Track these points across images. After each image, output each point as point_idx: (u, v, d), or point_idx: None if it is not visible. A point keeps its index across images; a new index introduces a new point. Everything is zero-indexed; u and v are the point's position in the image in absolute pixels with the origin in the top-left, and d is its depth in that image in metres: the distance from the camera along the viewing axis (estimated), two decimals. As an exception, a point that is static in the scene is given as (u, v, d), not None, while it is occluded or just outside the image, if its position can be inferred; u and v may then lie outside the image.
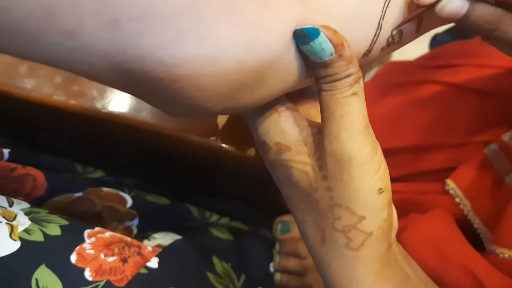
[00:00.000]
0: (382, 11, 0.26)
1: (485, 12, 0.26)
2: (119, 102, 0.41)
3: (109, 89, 0.41)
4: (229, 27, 0.21)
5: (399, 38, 0.29)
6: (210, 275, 0.42)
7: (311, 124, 0.27)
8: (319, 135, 0.26)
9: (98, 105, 0.41)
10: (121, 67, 0.20)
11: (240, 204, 0.51)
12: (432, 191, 0.58)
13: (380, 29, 0.27)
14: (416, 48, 0.76)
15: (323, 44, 0.23)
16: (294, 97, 0.30)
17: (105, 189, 0.43)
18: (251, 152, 0.41)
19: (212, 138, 0.40)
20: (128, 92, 0.23)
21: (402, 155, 0.60)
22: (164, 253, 0.40)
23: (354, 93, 0.25)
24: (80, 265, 0.35)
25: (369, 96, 0.66)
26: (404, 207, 0.59)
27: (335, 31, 0.23)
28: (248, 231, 0.52)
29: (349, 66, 0.24)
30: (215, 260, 0.44)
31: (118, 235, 0.39)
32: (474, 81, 0.58)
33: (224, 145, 0.40)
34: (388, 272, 0.28)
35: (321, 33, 0.23)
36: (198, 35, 0.20)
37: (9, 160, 0.40)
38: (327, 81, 0.25)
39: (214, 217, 0.49)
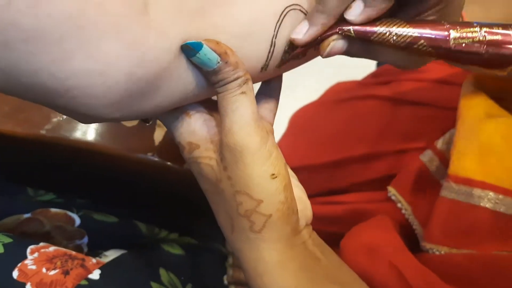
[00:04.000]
0: (274, 31, 0.30)
1: (358, 47, 0.31)
2: (61, 127, 0.44)
3: (52, 115, 0.44)
4: (115, 45, 0.24)
5: (296, 56, 0.33)
6: (154, 285, 0.44)
7: (219, 124, 0.31)
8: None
9: (43, 131, 0.44)
10: (18, 80, 0.23)
11: (188, 218, 0.54)
12: (377, 199, 0.61)
13: (274, 46, 0.31)
14: (364, 69, 0.81)
15: (208, 55, 0.27)
16: None
17: (53, 209, 0.46)
18: (187, 165, 0.44)
19: (149, 154, 0.43)
20: (34, 102, 0.26)
21: (350, 165, 0.64)
22: (107, 265, 0.42)
23: (243, 92, 0.28)
24: (21, 280, 0.38)
25: (318, 114, 0.70)
26: (355, 216, 0.62)
27: (217, 42, 0.27)
28: (199, 245, 0.54)
29: (236, 70, 0.28)
30: (162, 271, 0.46)
31: (63, 249, 0.42)
32: (409, 93, 0.62)
33: (160, 160, 0.43)
34: (293, 253, 0.31)
35: (204, 45, 0.27)
36: (85, 52, 0.23)
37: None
38: (219, 85, 0.28)
39: (163, 233, 0.52)
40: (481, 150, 0.46)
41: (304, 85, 0.92)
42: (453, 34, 0.28)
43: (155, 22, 0.26)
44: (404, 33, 0.29)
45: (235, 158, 0.29)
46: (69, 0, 0.22)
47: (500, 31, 0.28)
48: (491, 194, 0.44)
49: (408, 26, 0.29)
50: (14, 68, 0.22)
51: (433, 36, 0.28)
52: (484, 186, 0.45)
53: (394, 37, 0.29)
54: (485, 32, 0.28)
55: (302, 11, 0.31)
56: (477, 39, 0.28)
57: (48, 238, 0.45)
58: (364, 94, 0.66)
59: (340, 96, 0.69)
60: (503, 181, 0.44)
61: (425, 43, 0.29)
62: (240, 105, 0.29)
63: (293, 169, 0.70)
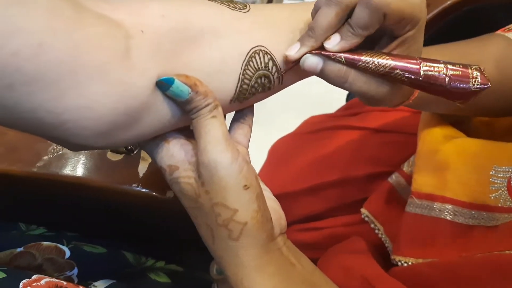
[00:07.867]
0: (241, 69, 0.35)
1: (334, 68, 0.35)
2: (52, 164, 0.48)
3: (43, 153, 0.48)
4: (100, 85, 0.29)
5: (262, 89, 0.37)
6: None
7: (195, 147, 0.35)
8: None
9: (34, 169, 0.47)
10: (20, 116, 0.27)
11: (174, 246, 0.57)
12: (353, 222, 0.65)
13: (240, 81, 0.35)
14: (336, 104, 0.87)
15: (180, 87, 0.31)
16: None
17: (45, 243, 0.48)
18: (170, 194, 0.48)
19: (134, 185, 0.47)
20: (32, 134, 0.30)
21: (325, 191, 0.68)
22: (98, 294, 0.45)
23: (213, 116, 0.33)
24: (15, 315, 0.40)
25: (293, 144, 0.75)
26: (333, 241, 0.66)
27: (186, 76, 0.32)
28: (184, 272, 0.57)
29: (206, 98, 0.33)
30: (150, 299, 0.49)
31: (54, 280, 0.44)
32: (375, 122, 0.68)
33: (145, 190, 0.47)
34: (269, 258, 0.34)
35: (175, 80, 0.31)
36: (76, 91, 0.28)
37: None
38: (193, 113, 0.33)
39: (150, 262, 0.54)
40: (439, 167, 0.50)
41: (283, 119, 0.98)
42: (424, 67, 0.34)
43: (135, 64, 0.30)
44: (384, 63, 0.34)
45: (211, 173, 0.33)
46: (64, 49, 0.26)
47: (461, 68, 0.35)
48: (450, 206, 0.48)
49: (388, 58, 0.35)
50: (16, 106, 0.26)
51: (408, 66, 0.34)
52: (444, 200, 0.49)
53: (377, 65, 0.35)
54: (449, 67, 0.34)
55: (266, 51, 0.36)
56: (443, 72, 0.34)
57: (40, 271, 0.48)
58: (335, 124, 0.71)
59: (313, 128, 0.74)
60: (459, 195, 0.48)
61: (400, 72, 0.34)
62: (212, 127, 0.33)
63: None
